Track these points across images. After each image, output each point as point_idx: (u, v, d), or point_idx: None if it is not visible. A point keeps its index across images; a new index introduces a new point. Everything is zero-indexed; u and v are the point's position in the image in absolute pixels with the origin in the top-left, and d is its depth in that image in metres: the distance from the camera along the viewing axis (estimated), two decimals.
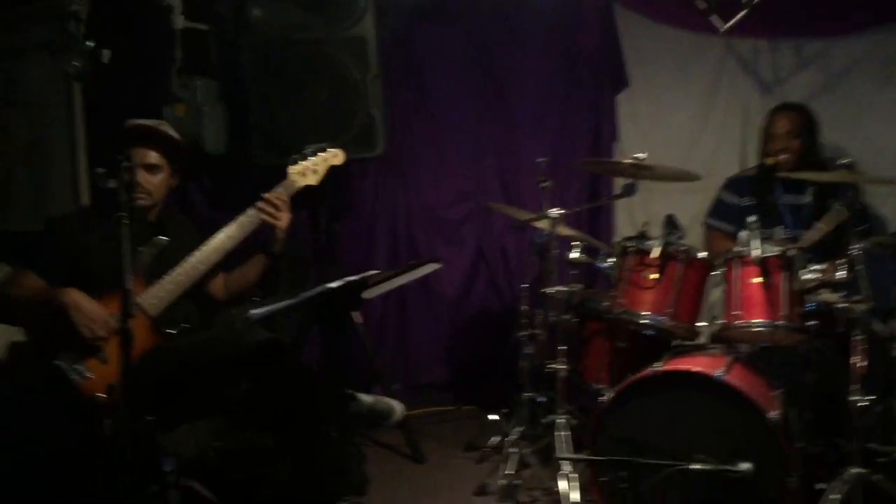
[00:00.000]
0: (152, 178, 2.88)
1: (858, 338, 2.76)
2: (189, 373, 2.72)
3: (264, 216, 2.91)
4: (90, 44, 3.53)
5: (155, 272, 2.80)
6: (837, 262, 2.86)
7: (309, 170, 3.01)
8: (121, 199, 2.34)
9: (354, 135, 3.76)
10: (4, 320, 3.02)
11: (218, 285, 3.09)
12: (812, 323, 2.91)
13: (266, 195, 2.92)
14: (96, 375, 2.65)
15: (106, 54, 3.66)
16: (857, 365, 2.76)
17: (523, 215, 3.66)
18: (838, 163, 2.91)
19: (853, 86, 4.05)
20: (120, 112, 3.83)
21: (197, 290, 2.92)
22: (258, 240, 2.95)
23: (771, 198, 3.55)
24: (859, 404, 2.74)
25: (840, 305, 2.81)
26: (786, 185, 3.60)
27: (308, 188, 3.02)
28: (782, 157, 3.56)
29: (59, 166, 4.11)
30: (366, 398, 2.90)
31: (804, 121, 3.63)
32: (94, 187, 3.87)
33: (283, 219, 2.93)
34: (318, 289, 2.44)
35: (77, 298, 2.64)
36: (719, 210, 3.78)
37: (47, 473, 2.88)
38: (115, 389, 2.58)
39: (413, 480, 3.54)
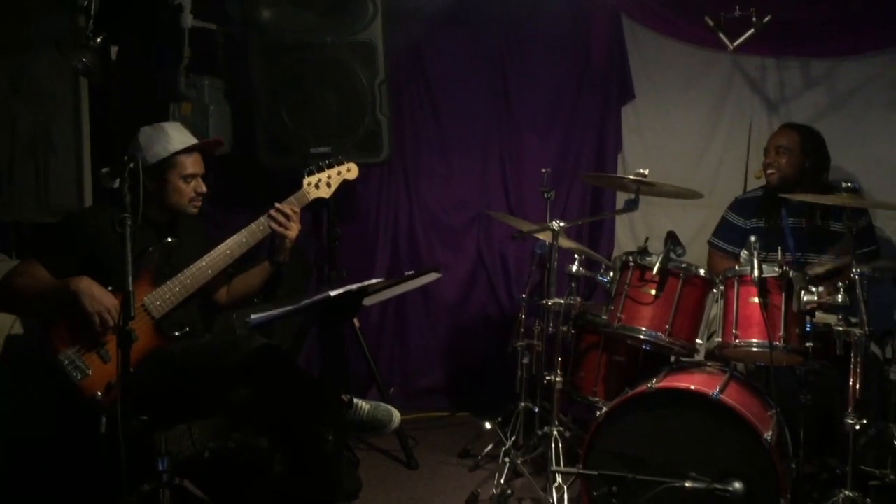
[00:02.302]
0: (204, 185, 2.94)
1: (855, 361, 2.77)
2: (188, 376, 2.73)
3: (275, 225, 2.91)
4: (99, 40, 3.56)
5: (163, 274, 2.81)
6: (837, 284, 2.87)
7: (322, 182, 3.02)
8: (125, 199, 2.34)
9: (360, 140, 3.76)
10: (10, 310, 3.03)
11: (221, 290, 3.11)
12: (810, 345, 2.91)
13: (279, 206, 2.93)
14: (96, 374, 2.65)
15: (114, 51, 3.68)
16: (854, 388, 2.76)
17: (525, 225, 3.66)
18: (844, 185, 2.91)
19: (859, 107, 4.05)
20: (127, 109, 3.86)
21: (202, 294, 2.92)
22: (263, 246, 2.96)
23: (776, 220, 3.55)
24: (854, 427, 2.74)
25: (838, 328, 2.81)
26: (790, 207, 3.61)
27: (318, 198, 3.03)
28: (769, 172, 3.58)
29: (64, 159, 4.12)
30: (364, 404, 2.90)
31: (803, 141, 3.62)
32: (97, 182, 3.88)
33: (294, 230, 2.94)
34: (318, 297, 2.45)
35: (89, 285, 2.64)
36: (723, 229, 3.79)
37: (41, 469, 2.89)
38: (114, 388, 2.59)
39: (406, 486, 3.55)
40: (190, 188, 2.90)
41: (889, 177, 3.94)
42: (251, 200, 3.30)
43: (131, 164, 2.39)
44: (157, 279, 2.80)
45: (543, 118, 4.45)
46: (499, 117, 4.47)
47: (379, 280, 2.68)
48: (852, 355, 2.78)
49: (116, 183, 2.39)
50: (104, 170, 2.41)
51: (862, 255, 2.88)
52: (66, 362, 2.65)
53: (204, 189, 2.94)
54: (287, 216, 2.93)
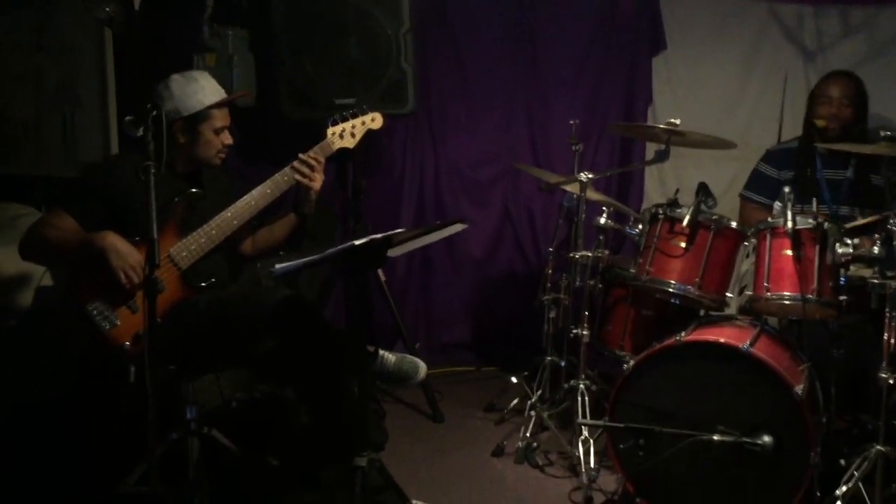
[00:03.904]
0: (230, 136, 2.93)
1: (891, 314, 2.70)
2: (214, 327, 2.73)
3: (299, 177, 2.90)
4: None
5: (189, 225, 2.80)
6: (874, 236, 2.79)
7: (347, 132, 2.99)
8: (148, 148, 2.32)
9: (384, 91, 3.71)
10: (38, 260, 3.05)
11: (246, 241, 3.10)
12: (844, 298, 2.85)
13: (302, 156, 2.91)
14: (124, 324, 2.67)
15: (137, 1, 3.65)
16: (888, 342, 2.70)
17: (552, 178, 3.61)
18: (882, 134, 2.82)
19: None
20: (150, 60, 3.83)
21: (228, 245, 2.92)
22: (287, 198, 2.94)
23: (811, 171, 3.45)
24: (888, 381, 2.69)
25: (874, 281, 2.74)
26: (826, 158, 3.51)
27: (342, 148, 3.00)
28: (831, 125, 3.45)
29: (90, 112, 4.12)
30: (390, 356, 2.89)
31: (859, 90, 3.52)
32: (122, 134, 3.88)
33: (318, 180, 2.93)
34: (343, 246, 2.42)
35: (115, 241, 2.64)
36: (756, 182, 3.70)
37: (72, 420, 2.93)
38: (142, 339, 2.60)
39: (431, 438, 3.57)
40: (219, 140, 2.89)
41: None
42: (275, 152, 3.28)
43: (154, 112, 2.36)
44: (182, 230, 2.79)
45: (572, 69, 4.36)
46: (525, 68, 4.38)
47: (404, 230, 2.65)
48: (888, 309, 2.71)
49: (140, 131, 2.37)
50: (127, 118, 2.39)
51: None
52: (95, 312, 2.66)
53: (231, 141, 2.93)
54: (311, 167, 2.91)
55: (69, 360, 2.88)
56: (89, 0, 3.69)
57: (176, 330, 2.65)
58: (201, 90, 2.83)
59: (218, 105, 2.86)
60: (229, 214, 2.84)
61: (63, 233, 2.71)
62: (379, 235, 2.47)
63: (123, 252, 2.64)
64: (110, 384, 2.70)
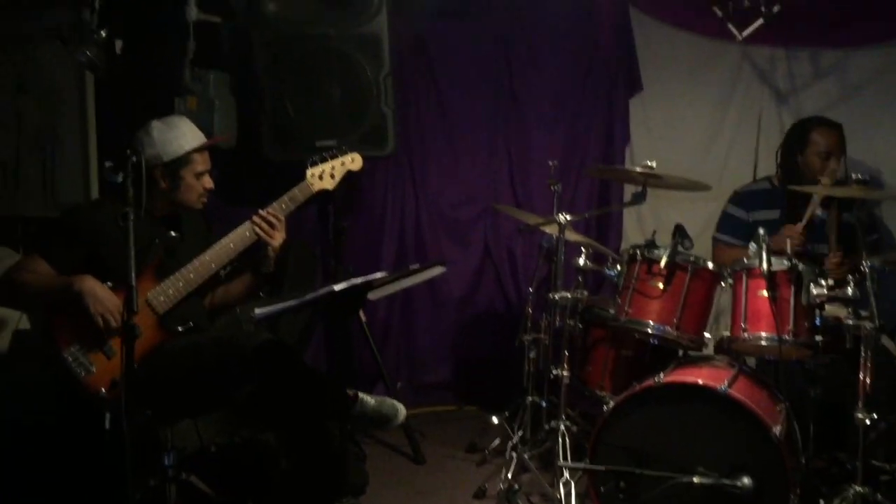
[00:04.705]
0: (211, 180, 2.93)
1: (866, 354, 2.74)
2: (192, 372, 2.72)
3: (259, 231, 2.84)
4: (103, 33, 3.55)
5: (167, 268, 2.79)
6: (847, 277, 2.83)
7: (326, 173, 2.98)
8: (127, 193, 2.33)
9: (365, 133, 3.74)
10: (14, 305, 3.03)
11: (207, 295, 3.05)
12: (819, 338, 2.88)
13: (261, 211, 2.86)
14: (100, 370, 2.65)
15: (119, 45, 3.67)
16: (864, 381, 2.74)
17: (532, 218, 3.64)
18: (854, 177, 2.88)
19: (869, 98, 4.01)
20: (132, 102, 3.85)
21: (206, 289, 2.91)
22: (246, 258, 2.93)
23: (800, 211, 3.45)
24: (865, 421, 2.72)
25: (848, 321, 2.78)
26: (804, 199, 3.55)
27: (321, 190, 3.00)
28: (828, 180, 3.44)
29: (70, 154, 4.12)
30: (370, 399, 2.89)
31: (844, 140, 3.57)
32: (102, 177, 3.88)
33: (277, 238, 2.86)
34: (322, 290, 2.43)
35: (93, 286, 2.64)
36: (726, 224, 3.75)
37: (47, 466, 2.89)
38: (118, 384, 2.59)
39: (413, 481, 3.54)
40: (200, 185, 2.89)
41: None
42: (256, 194, 3.28)
43: (134, 158, 2.38)
44: (160, 274, 2.78)
45: (550, 110, 4.42)
46: (505, 110, 4.44)
47: (384, 274, 2.66)
48: (862, 349, 2.75)
49: (120, 177, 2.38)
50: (107, 164, 2.40)
51: (866, 245, 2.84)
52: (71, 359, 2.65)
53: (211, 185, 2.93)
54: (271, 224, 2.85)
55: (46, 404, 2.86)
56: (71, 43, 3.71)
57: (153, 375, 2.63)
58: (182, 136, 2.84)
59: (199, 149, 2.87)
60: (207, 258, 2.82)
61: (39, 277, 2.70)
62: (359, 280, 2.48)
63: (101, 297, 2.63)
64: (86, 431, 2.67)
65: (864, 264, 2.77)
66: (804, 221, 3.29)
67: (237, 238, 2.86)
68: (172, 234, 2.82)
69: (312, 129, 3.73)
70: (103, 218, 2.71)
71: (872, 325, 2.73)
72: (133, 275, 2.26)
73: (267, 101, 3.78)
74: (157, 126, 2.84)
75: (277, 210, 2.88)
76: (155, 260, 2.77)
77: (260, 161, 3.86)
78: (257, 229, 2.84)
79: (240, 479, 3.04)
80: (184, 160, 2.83)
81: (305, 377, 2.81)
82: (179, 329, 2.77)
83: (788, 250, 2.93)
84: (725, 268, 3.11)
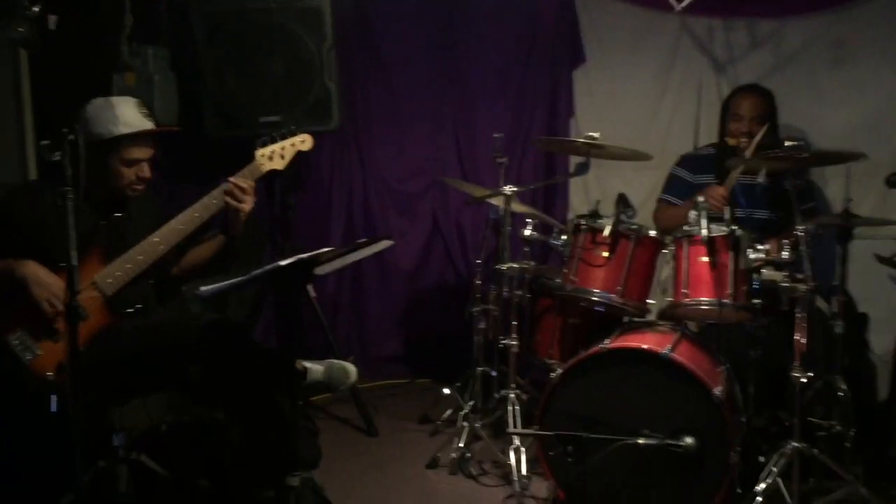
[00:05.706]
0: (150, 169, 2.82)
1: (801, 315, 2.84)
2: (141, 354, 2.69)
3: (230, 199, 2.80)
4: (35, 9, 3.44)
5: (114, 250, 2.73)
6: (783, 241, 2.92)
7: (276, 154, 2.91)
8: (66, 173, 2.28)
9: (309, 107, 3.72)
10: None
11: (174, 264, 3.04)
12: (758, 301, 2.97)
13: (234, 180, 2.81)
14: (46, 354, 2.61)
15: (52, 20, 3.57)
16: (799, 342, 2.83)
17: (478, 191, 3.67)
18: (787, 144, 2.96)
19: (805, 66, 4.10)
20: (68, 79, 3.75)
21: (156, 270, 2.86)
22: (215, 218, 2.89)
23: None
24: (801, 380, 2.82)
25: (784, 284, 2.87)
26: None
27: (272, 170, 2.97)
28: (744, 140, 3.58)
29: (6, 134, 4.00)
30: (317, 366, 2.89)
31: (768, 105, 3.67)
32: (40, 157, 3.78)
33: (248, 203, 2.84)
34: (268, 266, 2.43)
35: (36, 270, 2.59)
36: (670, 185, 3.82)
37: None
38: (65, 368, 2.55)
39: (366, 453, 3.58)
40: (131, 172, 2.77)
41: (833, 135, 4.00)
42: (202, 172, 3.26)
43: (70, 137, 2.32)
44: (107, 256, 2.73)
45: (495, 83, 4.44)
46: (450, 83, 4.44)
47: (330, 248, 2.65)
48: (798, 310, 2.84)
49: (57, 156, 2.32)
50: (43, 142, 2.33)
51: (802, 212, 2.94)
52: (17, 342, 2.60)
53: (147, 174, 2.80)
54: (242, 190, 2.82)
55: None
56: (1, 20, 3.59)
57: (101, 357, 2.61)
58: (114, 119, 2.70)
59: (129, 136, 2.73)
60: (156, 239, 2.76)
61: None
62: (305, 255, 2.48)
63: (45, 281, 2.59)
64: (33, 415, 2.64)
65: (798, 228, 2.86)
66: (726, 184, 3.37)
67: (202, 207, 2.79)
68: (118, 214, 2.76)
69: (255, 104, 3.70)
70: (43, 199, 2.65)
71: (807, 287, 2.82)
72: (74, 254, 2.22)
73: (207, 77, 3.73)
74: (95, 103, 2.74)
75: (248, 176, 2.84)
76: (101, 241, 2.72)
77: (203, 139, 3.80)
78: (228, 198, 2.79)
79: (191, 458, 3.03)
80: (109, 145, 2.71)
81: (254, 353, 2.81)
82: (128, 311, 2.74)
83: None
84: (666, 233, 3.18)
